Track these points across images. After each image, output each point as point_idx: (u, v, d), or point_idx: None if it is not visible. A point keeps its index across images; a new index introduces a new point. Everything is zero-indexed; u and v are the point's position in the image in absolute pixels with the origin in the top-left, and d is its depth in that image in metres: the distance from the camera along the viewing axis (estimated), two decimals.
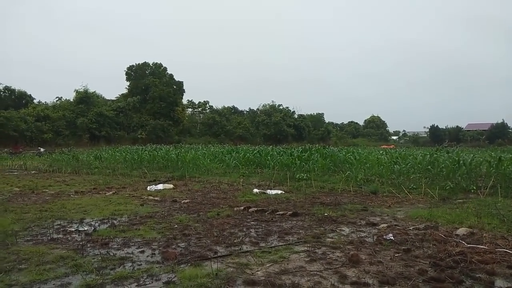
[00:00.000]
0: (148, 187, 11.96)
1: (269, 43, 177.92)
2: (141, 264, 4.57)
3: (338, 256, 4.89)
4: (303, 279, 4.08)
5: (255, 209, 8.12)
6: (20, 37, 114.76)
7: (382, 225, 6.64)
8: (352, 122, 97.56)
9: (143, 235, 5.98)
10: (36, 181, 14.06)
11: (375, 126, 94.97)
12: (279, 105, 76.69)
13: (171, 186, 12.16)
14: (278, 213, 7.74)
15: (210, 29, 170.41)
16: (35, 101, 56.72)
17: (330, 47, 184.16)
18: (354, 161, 15.87)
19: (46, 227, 6.55)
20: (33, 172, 19.06)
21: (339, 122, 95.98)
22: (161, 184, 12.26)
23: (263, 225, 6.76)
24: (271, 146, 28.98)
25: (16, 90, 54.42)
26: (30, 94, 56.58)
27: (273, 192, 10.70)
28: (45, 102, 58.05)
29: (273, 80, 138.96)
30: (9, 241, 5.57)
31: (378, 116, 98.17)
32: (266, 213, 7.81)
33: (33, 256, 4.84)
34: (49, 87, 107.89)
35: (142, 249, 5.20)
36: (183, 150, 24.02)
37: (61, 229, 6.43)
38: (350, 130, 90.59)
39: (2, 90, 53.13)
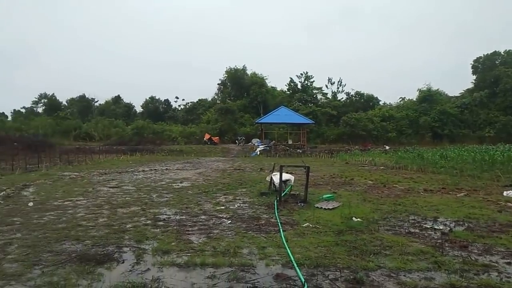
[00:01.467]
0: (505, 192, 10.52)
1: None
2: (510, 277, 4.12)
3: None
4: None
5: None
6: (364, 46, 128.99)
7: None
8: None
9: (506, 245, 5.35)
10: (386, 176, 15.36)
11: None
12: None
13: None
14: None
15: None
16: (380, 102, 62.69)
17: None
18: None
19: (401, 220, 7.08)
20: (381, 167, 21.01)
21: None
22: None
23: None
24: None
25: (365, 94, 61.98)
26: (377, 97, 62.98)
27: None
28: (389, 103, 63.05)
29: None
30: (371, 228, 6.39)
31: None
32: None
33: (394, 245, 5.32)
34: (392, 89, 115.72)
35: (508, 260, 4.67)
36: None
37: (416, 224, 6.75)
38: None
39: (354, 95, 62.01)
